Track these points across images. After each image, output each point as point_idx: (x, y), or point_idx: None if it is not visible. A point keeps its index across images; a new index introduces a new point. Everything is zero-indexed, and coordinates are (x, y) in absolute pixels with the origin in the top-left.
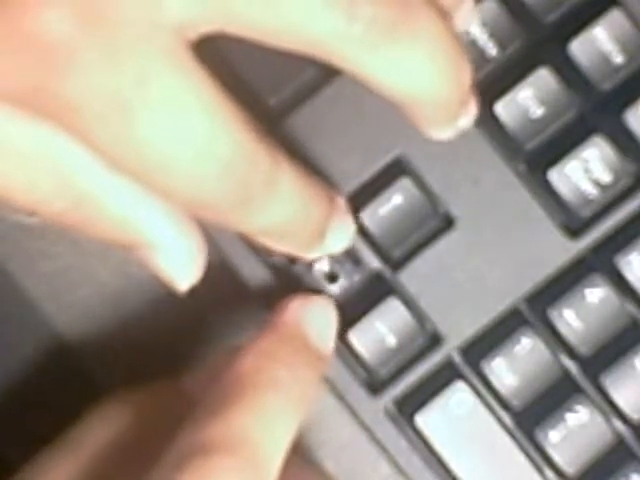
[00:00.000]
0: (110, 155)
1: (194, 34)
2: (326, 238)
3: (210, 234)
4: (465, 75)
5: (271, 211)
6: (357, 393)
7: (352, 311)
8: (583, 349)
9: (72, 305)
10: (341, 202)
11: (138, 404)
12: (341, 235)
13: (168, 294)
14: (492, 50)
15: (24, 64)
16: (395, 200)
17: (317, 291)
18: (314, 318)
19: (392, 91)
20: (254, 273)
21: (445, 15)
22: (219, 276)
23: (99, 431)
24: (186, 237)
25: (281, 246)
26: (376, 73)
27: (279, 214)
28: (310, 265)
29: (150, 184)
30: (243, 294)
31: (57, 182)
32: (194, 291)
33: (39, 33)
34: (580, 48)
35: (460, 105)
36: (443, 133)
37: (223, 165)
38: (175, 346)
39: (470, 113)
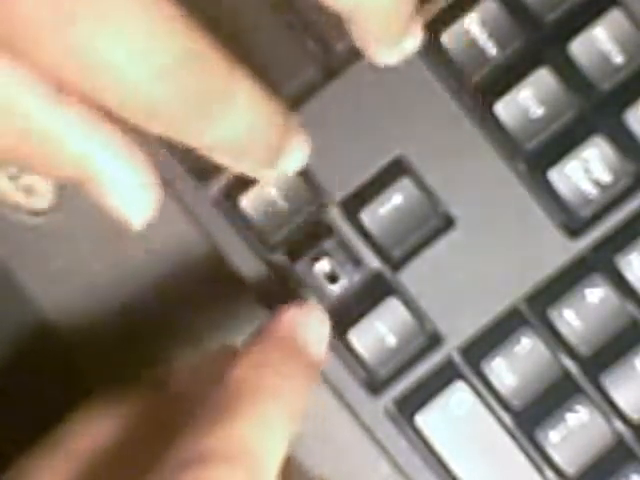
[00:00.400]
0: (52, 67)
1: None
2: (282, 157)
3: (210, 233)
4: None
5: (227, 123)
6: (357, 393)
7: (352, 311)
8: (583, 349)
9: (71, 304)
10: (296, 120)
11: (126, 406)
12: (297, 154)
13: (166, 291)
14: (492, 50)
15: None
16: (395, 200)
17: (316, 291)
18: (308, 326)
19: (337, 7)
20: (253, 272)
21: None
22: (218, 274)
23: (84, 432)
24: (138, 172)
25: (237, 165)
26: None
27: (235, 127)
28: (310, 265)
29: (96, 96)
30: (242, 293)
31: (4, 116)
32: (192, 288)
33: None
34: (580, 48)
35: (404, 22)
36: (389, 56)
37: (165, 67)
38: (174, 344)
39: (415, 35)
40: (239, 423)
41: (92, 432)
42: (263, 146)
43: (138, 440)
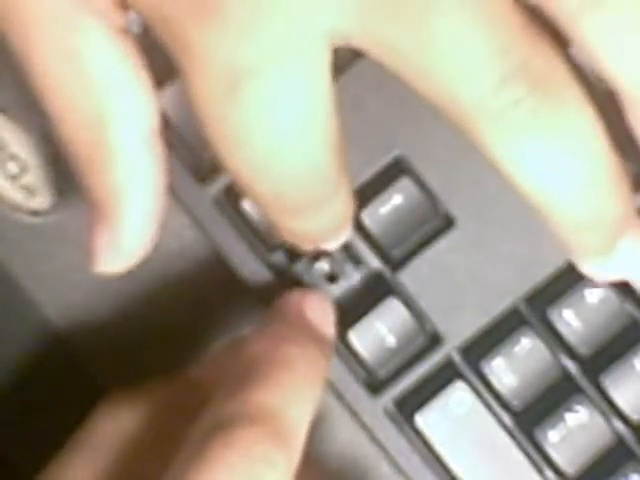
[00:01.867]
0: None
1: (342, 42)
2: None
3: (209, 233)
4: (619, 198)
5: (307, 220)
6: (357, 393)
7: (352, 311)
8: (583, 349)
9: (72, 304)
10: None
11: (148, 397)
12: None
13: (166, 291)
14: None
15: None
16: (395, 200)
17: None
18: (314, 306)
19: (521, 187)
20: (253, 272)
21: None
22: (218, 275)
23: (109, 426)
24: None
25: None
26: (504, 162)
27: (312, 223)
28: (310, 265)
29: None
30: (242, 292)
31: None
32: (192, 288)
33: None
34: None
35: (614, 231)
36: (595, 265)
37: (300, 168)
38: (174, 344)
39: (635, 233)
40: (259, 390)
41: (116, 425)
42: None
43: (162, 429)
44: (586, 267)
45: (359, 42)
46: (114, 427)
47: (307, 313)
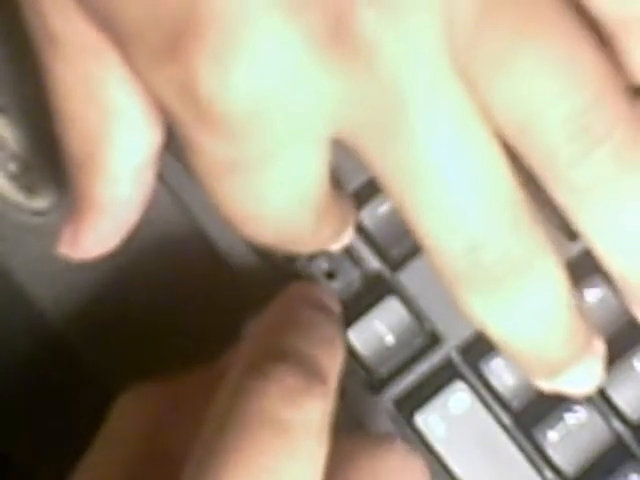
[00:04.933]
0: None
1: (337, 136)
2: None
3: (208, 233)
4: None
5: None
6: (357, 393)
7: (351, 311)
8: None
9: (72, 304)
10: None
11: (170, 389)
12: None
13: (167, 291)
14: None
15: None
16: None
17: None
18: (318, 290)
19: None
20: (254, 272)
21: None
22: (215, 273)
23: (138, 420)
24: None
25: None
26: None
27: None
28: (309, 262)
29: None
30: (242, 292)
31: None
32: (192, 288)
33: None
34: None
35: (570, 359)
36: (547, 384)
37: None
38: (175, 341)
39: (594, 352)
40: (287, 334)
41: (142, 417)
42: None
43: (189, 418)
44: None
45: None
46: (140, 420)
47: (313, 292)
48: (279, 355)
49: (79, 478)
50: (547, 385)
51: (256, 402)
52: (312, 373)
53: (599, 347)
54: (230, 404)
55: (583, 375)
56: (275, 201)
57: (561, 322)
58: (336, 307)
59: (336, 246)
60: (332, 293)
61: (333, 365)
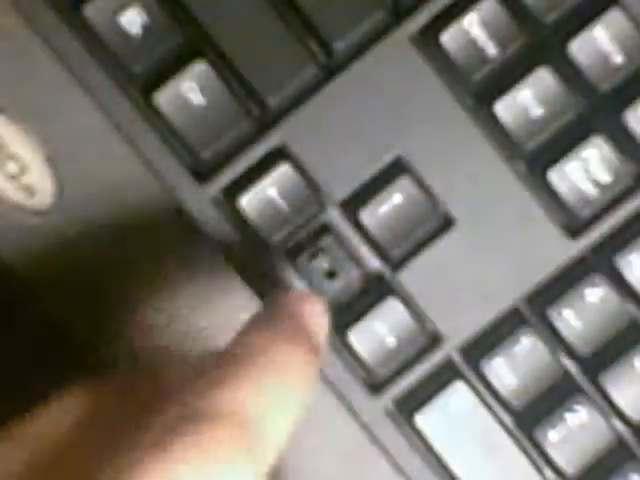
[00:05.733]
0: None
1: None
2: None
3: (210, 233)
4: None
5: None
6: (357, 393)
7: (352, 311)
8: (583, 349)
9: (73, 304)
10: None
11: (106, 388)
12: None
13: (167, 293)
14: (492, 50)
15: None
16: (395, 200)
17: (315, 289)
18: (312, 309)
19: None
20: (254, 270)
21: None
22: (213, 272)
23: (59, 419)
24: None
25: None
26: None
27: None
28: (309, 262)
29: None
30: (242, 290)
31: None
32: (192, 287)
33: None
34: (580, 48)
35: None
36: None
37: None
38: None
39: None
40: (236, 387)
41: (62, 415)
42: None
43: (114, 420)
44: None
45: None
46: (61, 419)
47: (304, 315)
48: (216, 414)
49: None
50: None
51: (180, 467)
52: (249, 440)
53: None
54: (139, 461)
55: None
56: None
57: None
58: (324, 326)
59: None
60: (323, 307)
61: (283, 422)
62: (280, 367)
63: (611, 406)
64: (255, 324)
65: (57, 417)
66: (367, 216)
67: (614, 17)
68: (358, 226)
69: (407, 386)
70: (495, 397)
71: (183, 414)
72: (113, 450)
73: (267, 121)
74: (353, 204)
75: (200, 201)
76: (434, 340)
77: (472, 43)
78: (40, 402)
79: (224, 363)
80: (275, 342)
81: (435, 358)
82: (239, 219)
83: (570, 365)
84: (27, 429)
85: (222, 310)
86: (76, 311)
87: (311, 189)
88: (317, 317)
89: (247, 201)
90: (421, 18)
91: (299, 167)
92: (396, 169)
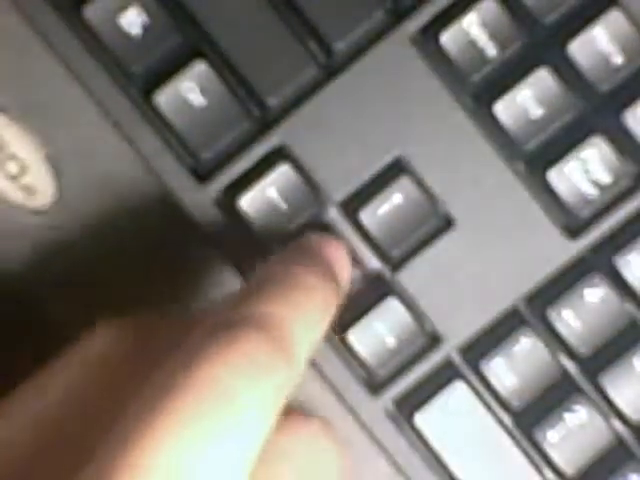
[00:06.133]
0: None
1: None
2: None
3: (209, 233)
4: None
5: None
6: (357, 393)
7: (351, 311)
8: (582, 349)
9: (74, 304)
10: None
11: (145, 326)
12: None
13: (170, 292)
14: (492, 50)
15: None
16: (395, 200)
17: None
18: (334, 247)
19: None
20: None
21: None
22: (214, 272)
23: (92, 353)
24: None
25: None
26: None
27: None
28: None
29: None
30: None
31: None
32: (193, 285)
33: None
34: (579, 49)
35: None
36: None
37: None
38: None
39: None
40: (268, 301)
41: (97, 351)
42: None
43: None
44: None
45: None
46: (94, 353)
47: (326, 252)
48: (247, 319)
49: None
50: None
51: (209, 368)
52: (279, 344)
53: None
54: (182, 365)
55: None
56: None
57: None
58: (346, 263)
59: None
60: (345, 249)
61: (308, 336)
62: (308, 288)
63: (610, 406)
64: (284, 255)
65: (89, 352)
66: (367, 216)
67: (614, 17)
68: (358, 226)
69: (407, 386)
70: (494, 397)
71: (218, 323)
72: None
73: (267, 121)
74: (353, 204)
75: (200, 201)
76: (434, 340)
77: (472, 43)
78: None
79: (255, 283)
80: (302, 268)
81: (435, 358)
82: (239, 219)
83: (569, 365)
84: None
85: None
86: (76, 311)
87: (311, 189)
88: (341, 255)
89: (247, 201)
90: (421, 18)
91: (299, 167)
92: (396, 169)
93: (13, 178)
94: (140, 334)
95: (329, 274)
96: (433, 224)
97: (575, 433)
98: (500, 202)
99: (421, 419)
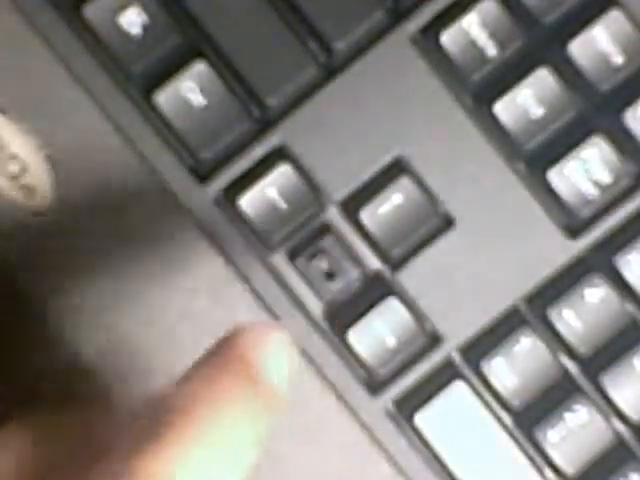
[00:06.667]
0: None
1: None
2: None
3: (210, 233)
4: None
5: None
6: (357, 393)
7: (352, 311)
8: (583, 349)
9: (75, 304)
10: None
11: (41, 429)
12: None
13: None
14: (492, 50)
15: None
16: (395, 200)
17: (315, 290)
18: (267, 351)
19: None
20: (254, 269)
21: None
22: (214, 272)
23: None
24: None
25: None
26: None
27: None
28: (309, 263)
29: None
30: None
31: None
32: (192, 285)
33: None
34: (580, 48)
35: None
36: None
37: None
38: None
39: None
40: (177, 446)
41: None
42: None
43: (64, 457)
44: None
45: None
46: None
47: (255, 357)
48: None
49: None
50: None
51: None
52: None
53: None
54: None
55: None
56: None
57: None
58: (284, 366)
59: None
60: (282, 335)
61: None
62: (220, 419)
63: (611, 406)
64: (200, 365)
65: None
66: (367, 216)
67: (614, 17)
68: (358, 226)
69: (407, 386)
70: (495, 397)
71: (112, 471)
72: None
73: (267, 121)
74: (353, 204)
75: (200, 201)
76: (434, 340)
77: (472, 43)
78: None
79: (159, 415)
80: (217, 386)
81: (435, 358)
82: (239, 219)
83: (570, 365)
84: None
85: (223, 309)
86: (75, 310)
87: (311, 189)
88: (276, 354)
89: (247, 201)
90: (421, 18)
91: (299, 167)
92: (396, 169)
93: (13, 178)
94: (39, 437)
95: (254, 390)
96: (433, 224)
97: (576, 433)
98: (500, 202)
99: (421, 419)
